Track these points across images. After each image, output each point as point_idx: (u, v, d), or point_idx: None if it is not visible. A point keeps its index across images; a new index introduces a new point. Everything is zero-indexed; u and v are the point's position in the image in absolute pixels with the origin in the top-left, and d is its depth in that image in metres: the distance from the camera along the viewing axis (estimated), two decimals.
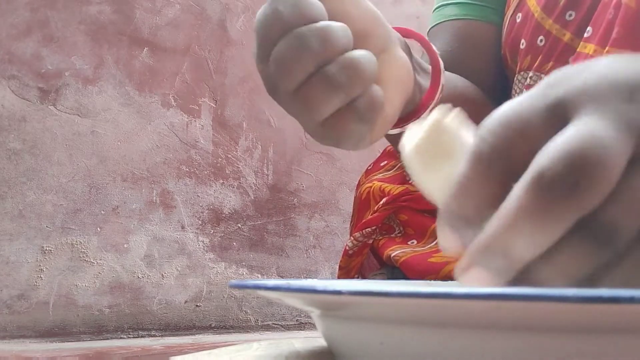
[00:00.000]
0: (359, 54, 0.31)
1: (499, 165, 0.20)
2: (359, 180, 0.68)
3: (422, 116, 0.42)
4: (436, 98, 0.42)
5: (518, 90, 0.59)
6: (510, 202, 0.19)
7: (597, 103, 0.19)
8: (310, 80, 0.30)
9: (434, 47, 0.43)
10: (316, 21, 0.30)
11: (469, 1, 0.65)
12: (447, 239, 0.22)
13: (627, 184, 0.18)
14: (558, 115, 0.20)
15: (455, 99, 0.50)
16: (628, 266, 0.19)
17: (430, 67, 0.43)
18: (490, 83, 0.62)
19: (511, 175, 0.19)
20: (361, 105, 0.31)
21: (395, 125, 0.41)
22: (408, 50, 0.39)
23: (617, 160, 0.18)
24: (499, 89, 0.63)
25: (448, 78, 0.46)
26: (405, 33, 0.41)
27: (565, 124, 0.19)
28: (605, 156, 0.18)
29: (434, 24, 0.66)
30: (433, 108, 0.42)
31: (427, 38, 0.64)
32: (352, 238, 0.61)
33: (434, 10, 0.67)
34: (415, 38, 0.42)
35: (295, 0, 0.30)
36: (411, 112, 0.41)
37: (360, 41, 0.33)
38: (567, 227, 0.18)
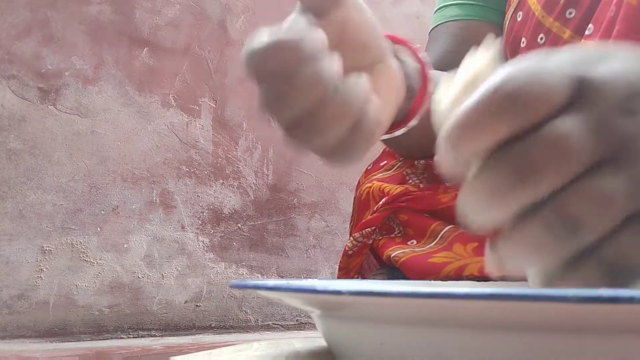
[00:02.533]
0: (350, 84, 0.31)
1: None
2: (359, 181, 0.68)
3: (409, 124, 0.43)
4: (423, 106, 0.43)
5: None
6: None
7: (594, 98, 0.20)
8: (309, 116, 0.30)
9: (419, 54, 0.45)
10: (311, 56, 0.29)
11: (470, 2, 0.65)
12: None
13: (593, 183, 0.19)
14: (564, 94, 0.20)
15: None
16: (593, 264, 0.20)
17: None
18: None
19: None
20: (364, 126, 0.32)
21: (394, 128, 0.42)
22: (397, 56, 0.40)
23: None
24: None
25: (438, 80, 0.47)
26: (394, 40, 0.42)
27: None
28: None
29: (435, 24, 0.66)
30: (420, 115, 0.44)
31: (428, 37, 0.64)
32: (351, 238, 0.61)
33: (435, 12, 0.68)
34: (402, 44, 0.43)
35: (297, 36, 0.29)
36: (400, 120, 0.43)
37: (359, 53, 0.34)
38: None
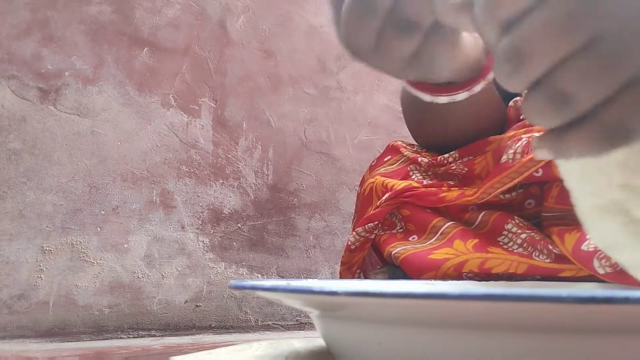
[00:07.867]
0: None
1: None
2: (363, 177, 0.68)
3: (473, 89, 0.48)
4: (487, 78, 0.48)
5: None
6: None
7: None
8: (384, 31, 0.35)
9: None
10: None
11: None
12: None
13: (577, 60, 0.22)
14: None
15: None
16: (594, 126, 0.23)
17: None
18: None
19: None
20: (440, 35, 0.37)
21: (460, 88, 0.47)
22: None
23: None
24: None
25: None
26: None
27: None
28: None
29: None
30: (482, 85, 0.48)
31: None
32: (354, 233, 0.61)
33: None
34: None
35: None
36: (473, 79, 0.47)
37: None
38: None
